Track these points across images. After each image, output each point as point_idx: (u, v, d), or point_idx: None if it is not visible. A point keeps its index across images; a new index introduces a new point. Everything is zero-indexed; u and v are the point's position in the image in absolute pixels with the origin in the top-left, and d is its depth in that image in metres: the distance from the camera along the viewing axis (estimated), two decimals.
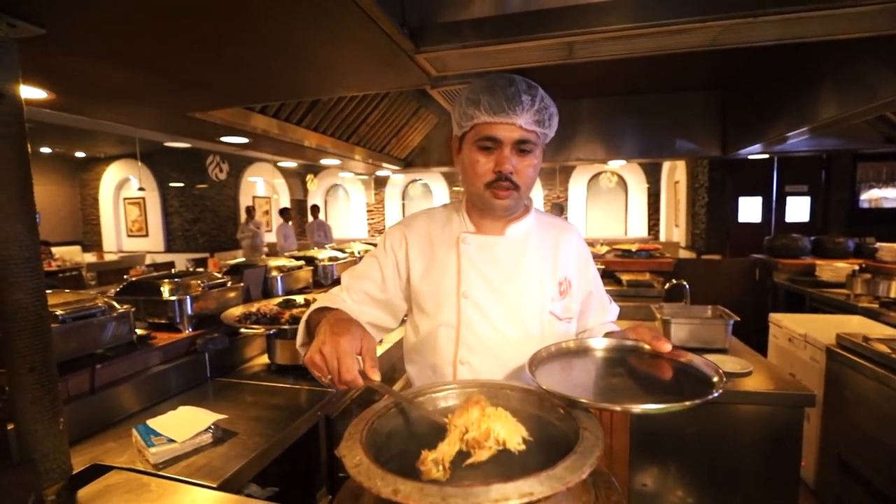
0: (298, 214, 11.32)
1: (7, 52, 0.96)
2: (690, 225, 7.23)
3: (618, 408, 0.64)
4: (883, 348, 1.97)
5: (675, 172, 8.39)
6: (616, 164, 7.52)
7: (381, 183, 11.28)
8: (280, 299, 2.22)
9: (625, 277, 4.10)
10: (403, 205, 11.51)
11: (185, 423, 1.27)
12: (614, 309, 1.16)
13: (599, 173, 9.93)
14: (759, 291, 4.45)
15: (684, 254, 6.98)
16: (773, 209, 6.38)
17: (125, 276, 2.78)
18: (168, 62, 1.57)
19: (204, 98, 2.12)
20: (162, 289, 1.83)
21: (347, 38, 1.45)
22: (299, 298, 2.22)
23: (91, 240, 9.65)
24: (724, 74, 3.94)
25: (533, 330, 0.97)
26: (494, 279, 0.98)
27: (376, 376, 0.71)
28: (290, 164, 7.88)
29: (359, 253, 3.77)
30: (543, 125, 0.91)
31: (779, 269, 4.25)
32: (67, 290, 1.59)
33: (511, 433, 0.64)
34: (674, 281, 2.67)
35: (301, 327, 0.98)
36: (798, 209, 6.41)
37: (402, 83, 2.09)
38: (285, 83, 1.99)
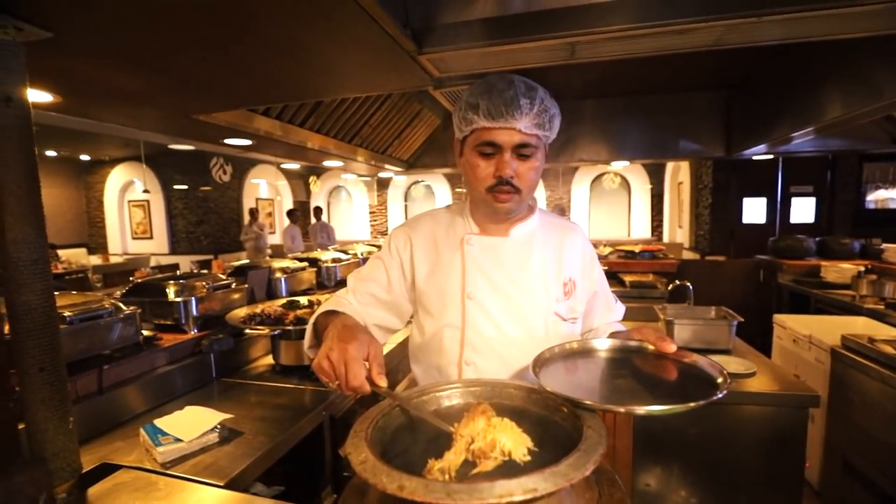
0: (301, 216, 11.36)
1: (14, 56, 0.97)
2: (694, 226, 7.20)
3: (622, 409, 0.64)
4: (888, 349, 1.96)
5: (678, 173, 8.37)
6: (619, 165, 7.50)
7: (383, 184, 11.31)
8: (284, 300, 2.23)
9: (628, 279, 4.09)
10: (406, 206, 11.53)
11: (192, 423, 1.28)
12: (620, 308, 1.16)
13: (602, 174, 9.91)
14: (763, 293, 4.43)
15: (688, 255, 6.96)
16: (778, 210, 6.34)
17: (131, 278, 2.81)
18: (172, 64, 1.59)
19: (207, 100, 2.13)
20: (167, 290, 1.85)
21: (350, 40, 1.46)
22: (303, 300, 2.23)
23: (96, 242, 9.72)
24: (729, 74, 3.93)
25: (538, 331, 0.98)
26: (499, 280, 0.99)
27: (383, 382, 0.72)
28: (293, 165, 7.91)
29: (362, 254, 3.78)
30: (544, 128, 0.90)
31: (783, 270, 4.23)
32: (75, 292, 1.60)
33: (517, 444, 0.64)
34: (677, 282, 2.66)
35: (308, 330, 0.99)
36: (803, 210, 6.38)
37: (405, 84, 2.10)
38: (288, 84, 2.01)
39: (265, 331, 1.82)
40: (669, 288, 2.82)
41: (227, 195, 9.34)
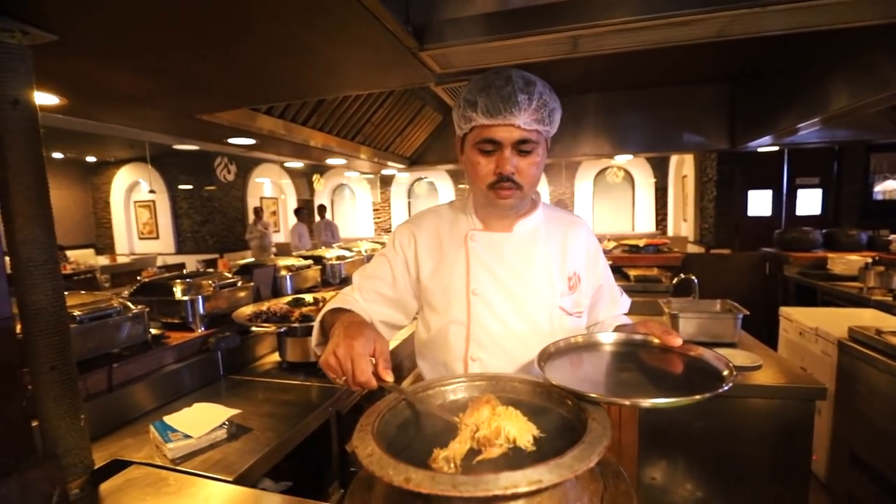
0: (308, 214, 11.40)
1: (21, 59, 0.98)
2: (699, 219, 7.16)
3: (627, 402, 0.65)
4: None
5: (682, 166, 8.31)
6: (623, 159, 7.45)
7: (386, 181, 11.31)
8: (289, 298, 2.24)
9: (632, 273, 4.08)
10: (409, 203, 11.53)
11: (201, 420, 1.30)
12: (625, 301, 1.15)
13: (606, 168, 9.86)
14: (769, 285, 4.41)
15: (693, 248, 6.92)
16: (784, 202, 6.30)
17: (138, 278, 2.83)
18: (174, 65, 1.60)
19: (210, 100, 2.15)
20: (174, 289, 1.87)
21: (351, 37, 1.46)
22: (308, 297, 2.24)
23: (103, 243, 9.81)
24: (732, 66, 3.89)
25: (543, 326, 0.98)
26: (503, 276, 0.99)
27: (389, 378, 0.73)
28: (297, 164, 7.94)
29: (366, 251, 3.79)
30: (544, 123, 0.89)
31: (789, 262, 4.20)
32: (84, 292, 1.62)
33: (522, 431, 0.64)
34: (682, 276, 2.65)
35: (315, 328, 1.00)
36: (809, 202, 6.32)
37: (407, 81, 2.10)
38: (290, 83, 2.01)
39: (271, 328, 1.84)
40: (674, 282, 2.81)
41: (232, 194, 9.38)
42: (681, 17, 1.39)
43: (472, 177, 0.95)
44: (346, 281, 3.24)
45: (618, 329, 0.97)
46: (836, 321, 2.40)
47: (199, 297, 1.88)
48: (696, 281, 2.52)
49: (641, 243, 4.84)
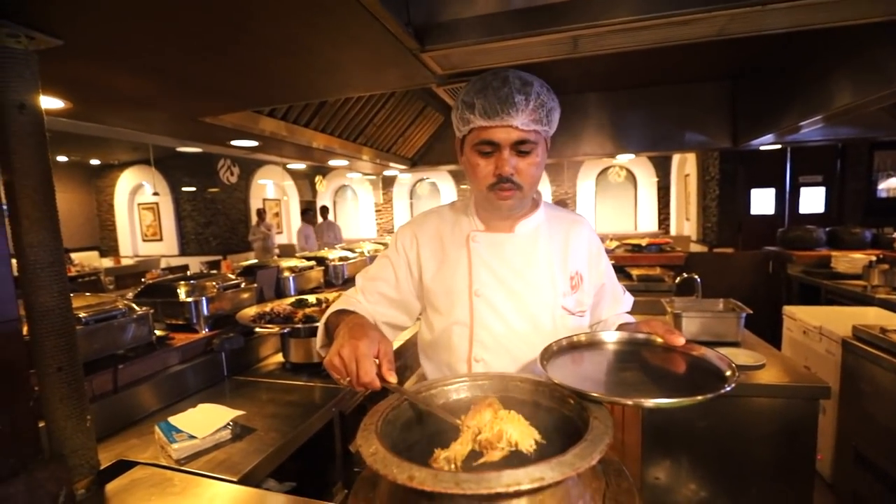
0: (313, 216, 11.45)
1: (27, 64, 0.99)
2: (701, 218, 7.14)
3: (629, 402, 0.65)
4: None
5: (685, 165, 8.29)
6: (624, 159, 7.45)
7: (388, 182, 11.33)
8: (293, 299, 2.25)
9: (635, 272, 4.08)
10: (411, 203, 11.55)
11: (205, 420, 1.30)
12: (628, 299, 1.15)
13: (608, 168, 9.85)
14: (772, 284, 4.39)
15: (695, 247, 6.91)
16: (787, 201, 6.27)
17: (142, 280, 2.85)
18: (177, 67, 1.61)
19: (213, 102, 2.16)
20: (178, 291, 1.88)
21: (352, 39, 1.46)
22: (311, 298, 2.25)
23: (108, 245, 9.87)
24: (734, 64, 3.88)
25: (545, 325, 0.98)
26: (506, 277, 0.99)
27: (393, 378, 0.73)
28: (299, 165, 7.96)
29: (368, 252, 3.80)
30: (542, 123, 0.89)
31: (793, 261, 4.18)
32: (88, 294, 1.63)
33: (524, 436, 0.64)
34: (685, 275, 2.65)
35: (320, 330, 1.00)
36: (813, 200, 6.30)
37: (409, 82, 2.10)
38: (291, 85, 2.02)
39: (275, 329, 1.85)
40: (677, 281, 2.80)
41: (235, 196, 9.42)
42: (681, 17, 1.39)
43: (472, 178, 0.96)
44: (348, 282, 3.25)
45: (620, 328, 0.97)
46: (840, 320, 2.39)
47: (203, 298, 1.90)
48: (698, 280, 2.52)
49: (644, 243, 4.83)
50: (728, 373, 0.71)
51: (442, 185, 11.06)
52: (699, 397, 0.63)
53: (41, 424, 0.99)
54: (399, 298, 1.07)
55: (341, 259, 3.35)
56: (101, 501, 0.99)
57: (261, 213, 8.45)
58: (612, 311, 1.13)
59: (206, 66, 1.62)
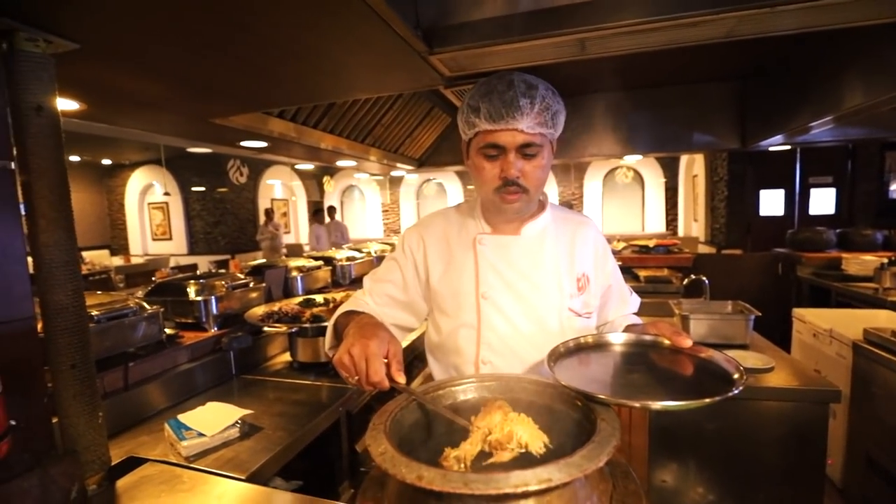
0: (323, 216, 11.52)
1: (45, 68, 1.01)
2: (710, 219, 7.08)
3: (636, 404, 0.65)
4: None
5: (693, 166, 8.23)
6: (632, 159, 7.41)
7: (395, 183, 11.36)
8: (301, 299, 2.27)
9: (642, 273, 4.05)
10: (418, 204, 11.57)
11: (214, 418, 1.32)
12: (635, 300, 1.15)
13: (615, 169, 9.80)
14: (781, 286, 4.34)
15: (703, 249, 6.85)
16: (797, 202, 6.20)
17: (152, 279, 2.88)
18: (189, 70, 1.63)
19: (224, 104, 2.18)
20: (188, 290, 1.90)
21: (361, 42, 1.47)
22: (319, 298, 2.26)
23: (118, 244, 9.99)
24: (743, 65, 3.84)
25: (553, 327, 0.98)
26: (512, 279, 1.00)
27: (402, 379, 0.74)
28: (307, 166, 8.01)
29: (375, 252, 3.81)
30: (547, 126, 0.90)
31: (802, 263, 4.14)
32: (100, 292, 1.66)
33: (534, 437, 0.65)
34: (693, 276, 2.63)
35: (329, 331, 1.01)
36: (823, 201, 6.22)
37: (416, 84, 2.11)
38: (301, 87, 2.04)
39: (283, 328, 1.86)
40: (685, 282, 2.78)
41: (243, 196, 9.50)
42: (689, 19, 1.38)
43: (478, 181, 0.96)
44: (356, 282, 3.26)
45: (627, 329, 0.97)
46: (851, 323, 2.36)
47: (213, 297, 1.92)
48: (706, 282, 2.50)
49: (651, 244, 4.80)
50: (736, 376, 0.71)
51: (449, 185, 11.07)
52: (707, 400, 0.63)
53: (54, 420, 1.01)
54: (406, 300, 1.08)
55: (349, 259, 3.37)
56: (111, 497, 1.00)
57: (269, 213, 8.51)
58: (618, 312, 1.13)
59: (217, 68, 1.64)
